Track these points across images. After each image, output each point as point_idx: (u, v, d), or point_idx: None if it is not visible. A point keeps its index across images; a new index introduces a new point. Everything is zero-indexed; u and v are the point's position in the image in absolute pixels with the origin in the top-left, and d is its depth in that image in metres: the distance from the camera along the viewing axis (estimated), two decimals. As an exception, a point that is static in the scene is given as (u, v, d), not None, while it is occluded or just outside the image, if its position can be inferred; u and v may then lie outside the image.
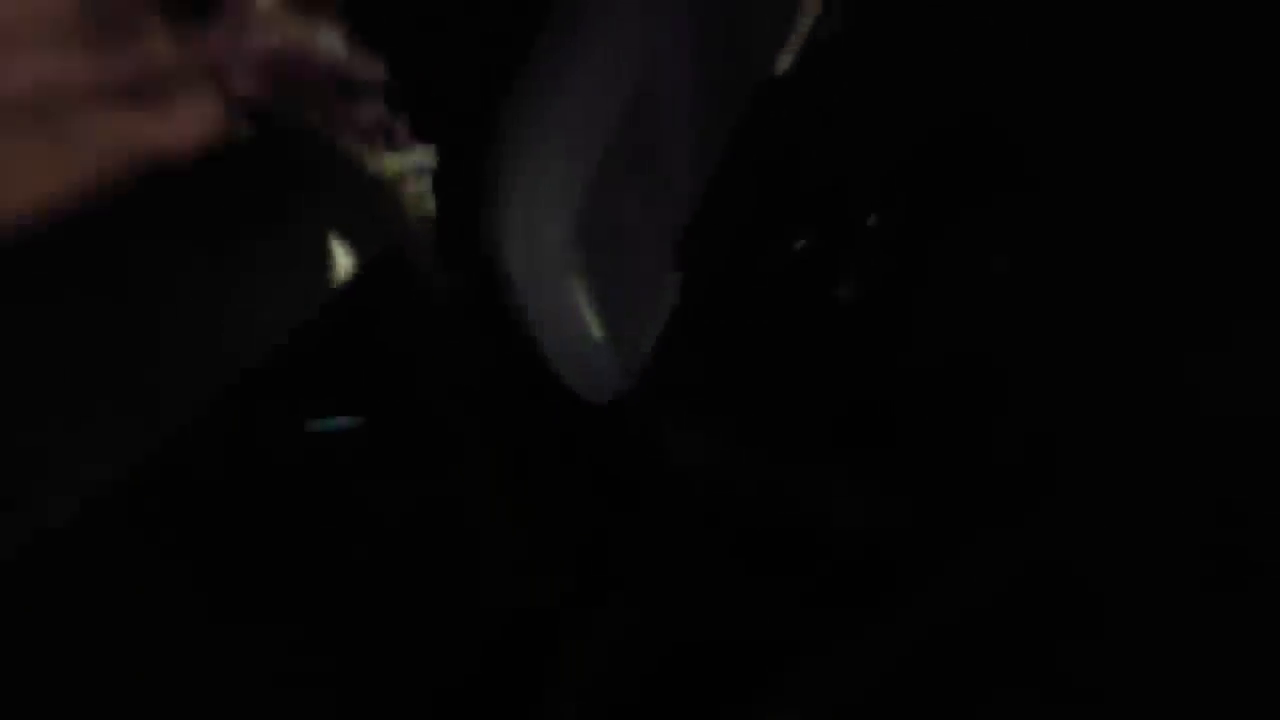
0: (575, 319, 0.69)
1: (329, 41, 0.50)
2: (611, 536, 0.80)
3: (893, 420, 0.76)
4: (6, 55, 0.45)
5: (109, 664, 0.59)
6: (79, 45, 0.46)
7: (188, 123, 0.48)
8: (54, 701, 0.58)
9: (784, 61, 0.77)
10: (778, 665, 0.76)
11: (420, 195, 0.55)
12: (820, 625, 0.76)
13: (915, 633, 0.74)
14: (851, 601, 0.76)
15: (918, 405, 0.75)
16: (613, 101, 0.67)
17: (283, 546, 0.66)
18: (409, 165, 0.57)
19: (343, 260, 0.54)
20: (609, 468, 0.79)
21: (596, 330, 0.70)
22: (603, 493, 0.79)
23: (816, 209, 0.78)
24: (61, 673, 0.58)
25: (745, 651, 0.77)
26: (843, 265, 0.78)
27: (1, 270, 0.47)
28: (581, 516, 0.80)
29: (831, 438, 0.76)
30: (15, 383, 0.48)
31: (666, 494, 0.79)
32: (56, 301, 0.49)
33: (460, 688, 0.74)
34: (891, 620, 0.75)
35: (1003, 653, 0.73)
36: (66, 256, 0.48)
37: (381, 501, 0.66)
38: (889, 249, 0.78)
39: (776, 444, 0.77)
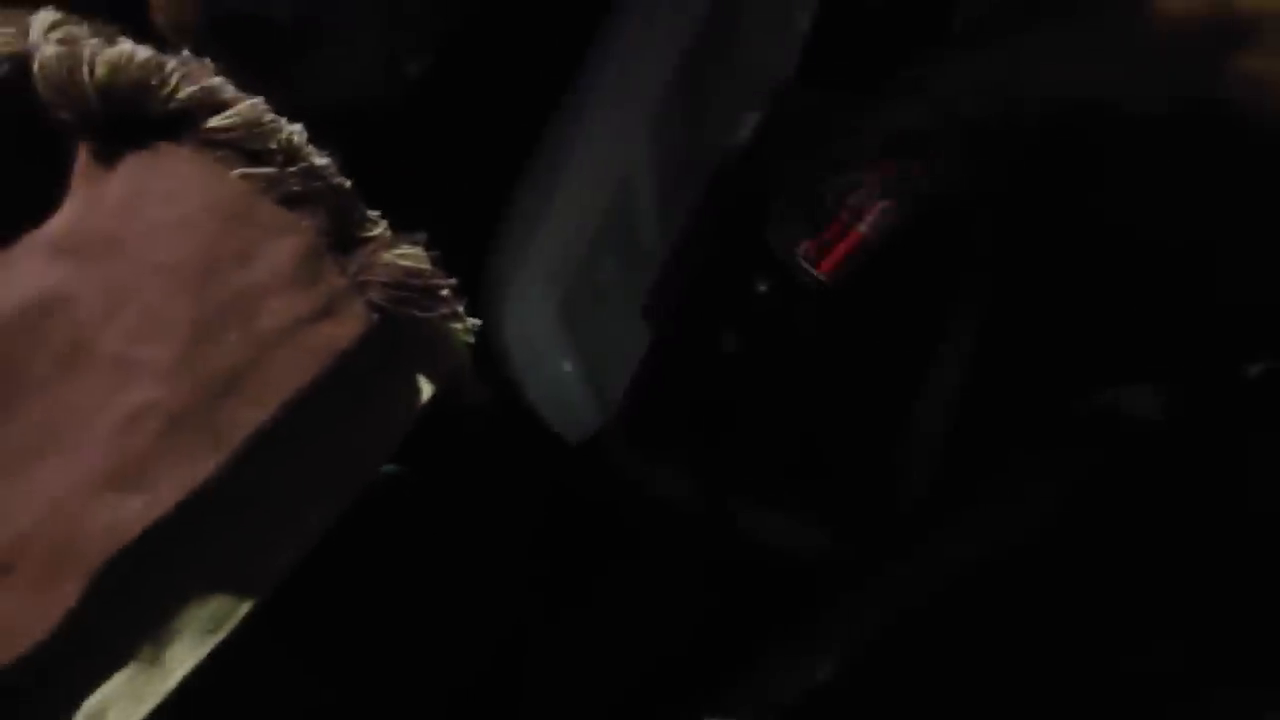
0: (559, 377, 0.76)
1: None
2: (587, 561, 0.87)
3: (830, 455, 0.84)
4: None
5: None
6: None
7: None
8: None
9: (748, 127, 0.85)
10: (728, 678, 0.83)
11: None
12: (766, 639, 0.84)
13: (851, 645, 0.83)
14: (790, 619, 0.84)
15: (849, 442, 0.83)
16: (603, 194, 0.75)
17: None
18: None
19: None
20: (585, 498, 0.86)
21: (577, 382, 0.78)
22: (580, 520, 0.87)
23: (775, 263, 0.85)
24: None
25: (700, 664, 0.84)
26: (799, 309, 0.85)
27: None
28: (562, 542, 0.87)
29: (783, 471, 0.84)
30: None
31: (637, 520, 0.87)
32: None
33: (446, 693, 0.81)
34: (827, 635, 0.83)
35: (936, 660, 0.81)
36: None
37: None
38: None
39: (731, 478, 0.85)
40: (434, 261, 0.60)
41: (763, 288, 0.85)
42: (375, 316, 0.58)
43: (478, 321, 0.62)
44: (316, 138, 0.60)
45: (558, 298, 0.73)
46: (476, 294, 0.73)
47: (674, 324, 0.83)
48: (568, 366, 0.76)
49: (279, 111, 0.60)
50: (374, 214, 0.61)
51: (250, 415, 0.56)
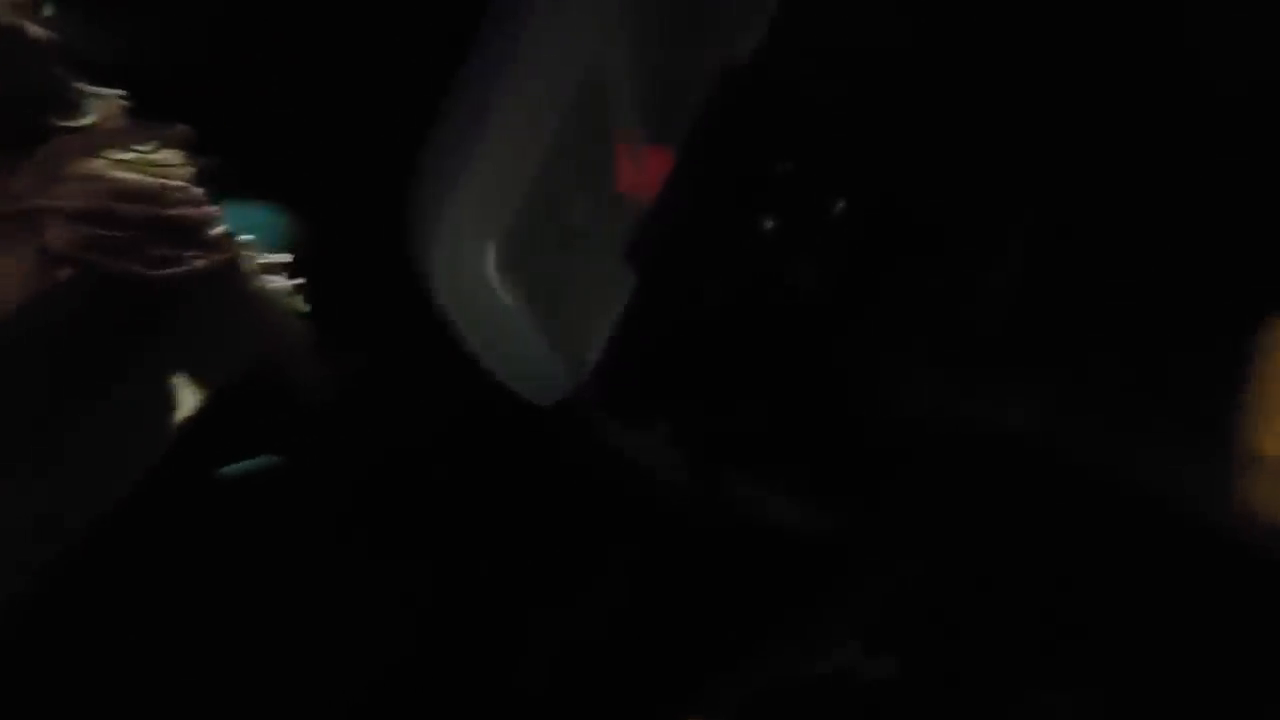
0: (513, 337, 0.65)
1: (145, 183, 0.47)
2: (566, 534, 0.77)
3: (832, 425, 0.72)
4: None
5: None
6: None
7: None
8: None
9: (749, 41, 0.71)
10: (716, 659, 0.74)
11: (290, 294, 0.51)
12: (756, 618, 0.74)
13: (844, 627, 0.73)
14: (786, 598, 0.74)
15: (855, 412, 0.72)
16: (561, 97, 0.61)
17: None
18: (271, 268, 0.53)
19: (190, 396, 0.50)
20: (561, 467, 0.76)
21: (538, 342, 0.66)
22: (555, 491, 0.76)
23: (781, 194, 0.73)
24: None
25: (687, 641, 0.74)
26: (804, 253, 0.73)
27: None
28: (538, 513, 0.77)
29: (773, 439, 0.73)
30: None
31: (615, 492, 0.76)
32: None
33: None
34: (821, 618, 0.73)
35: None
36: None
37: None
38: (855, 237, 0.73)
39: (720, 446, 0.74)
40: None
41: (768, 225, 0.72)
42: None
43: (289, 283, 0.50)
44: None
45: (499, 235, 0.59)
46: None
47: (659, 273, 0.71)
48: (516, 320, 0.64)
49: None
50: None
51: None
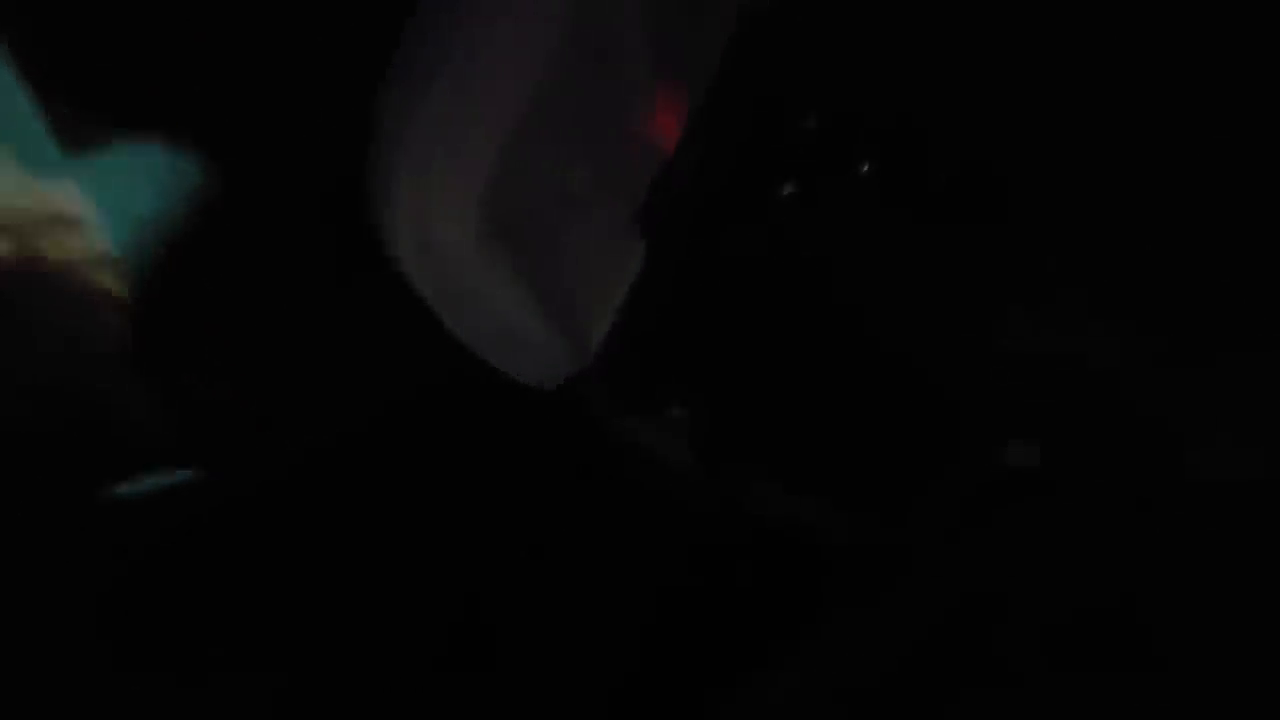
0: (505, 314, 0.57)
1: None
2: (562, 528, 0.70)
3: (872, 423, 0.64)
4: None
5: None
6: None
7: None
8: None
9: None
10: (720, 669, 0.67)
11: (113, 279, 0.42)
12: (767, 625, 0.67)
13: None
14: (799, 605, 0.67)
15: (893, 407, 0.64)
16: (544, 22, 0.52)
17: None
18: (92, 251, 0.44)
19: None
20: (560, 458, 0.68)
21: (532, 321, 0.58)
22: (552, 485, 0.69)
23: (807, 154, 0.65)
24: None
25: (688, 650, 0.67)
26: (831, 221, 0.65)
27: None
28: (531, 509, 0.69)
29: (806, 437, 0.65)
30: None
31: (624, 491, 0.68)
32: None
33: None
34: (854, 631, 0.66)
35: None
36: None
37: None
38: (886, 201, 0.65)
39: (744, 439, 0.66)
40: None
41: (788, 191, 0.64)
42: None
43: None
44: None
45: (481, 193, 0.49)
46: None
47: (672, 243, 0.64)
48: (505, 298, 0.56)
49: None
50: None
51: None
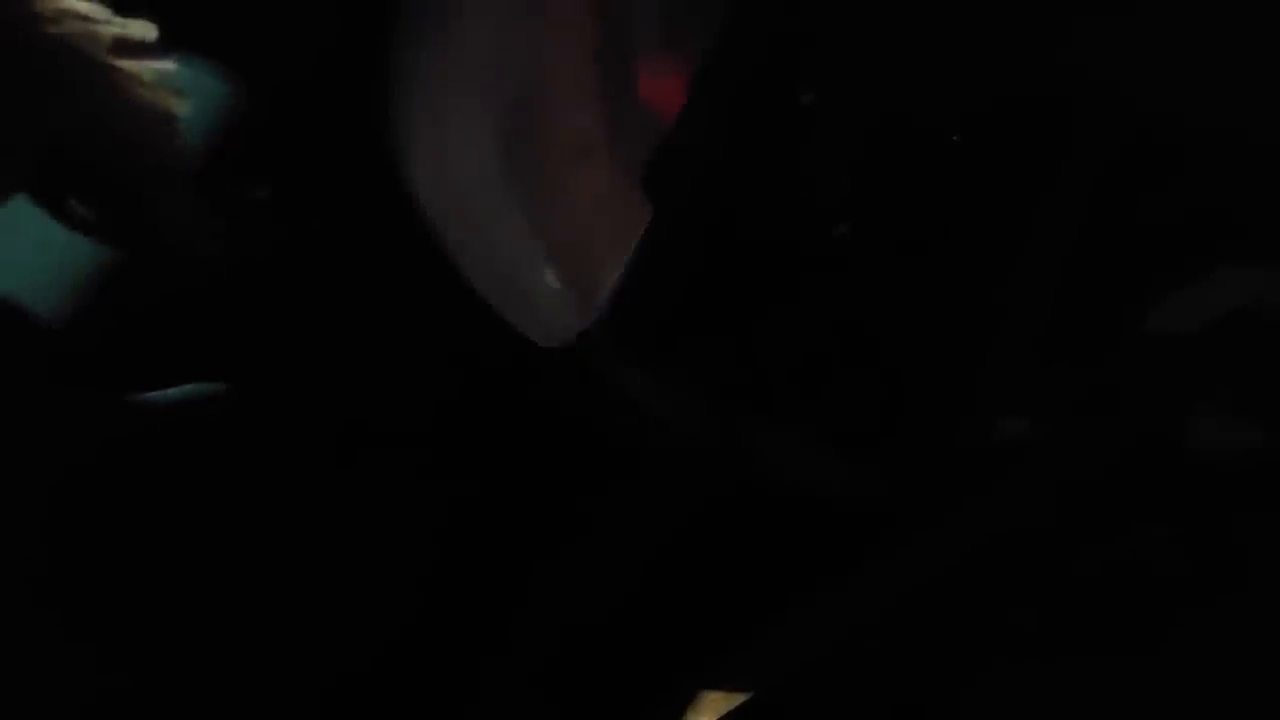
0: (516, 261, 0.56)
1: None
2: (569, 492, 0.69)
3: (873, 378, 0.64)
4: None
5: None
6: None
7: None
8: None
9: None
10: (737, 632, 0.66)
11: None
12: (780, 592, 0.67)
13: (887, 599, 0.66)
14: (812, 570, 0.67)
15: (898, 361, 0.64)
16: None
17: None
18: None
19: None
20: (565, 419, 0.68)
21: (544, 270, 0.58)
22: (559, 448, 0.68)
23: (814, 112, 0.65)
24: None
25: (703, 617, 0.67)
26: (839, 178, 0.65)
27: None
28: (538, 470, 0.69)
29: (810, 393, 0.65)
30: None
31: (628, 450, 0.68)
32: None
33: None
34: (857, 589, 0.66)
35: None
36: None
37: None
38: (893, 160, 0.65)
39: (748, 395, 0.66)
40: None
41: (800, 146, 0.65)
42: None
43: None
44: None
45: (502, 121, 0.49)
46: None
47: (681, 199, 0.63)
48: (530, 254, 0.56)
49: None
50: None
51: None
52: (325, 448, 0.61)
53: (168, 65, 0.45)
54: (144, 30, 0.45)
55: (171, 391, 0.51)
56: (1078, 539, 0.65)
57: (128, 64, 0.45)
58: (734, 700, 0.64)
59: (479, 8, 0.49)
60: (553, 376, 0.64)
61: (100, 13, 0.44)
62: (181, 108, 0.46)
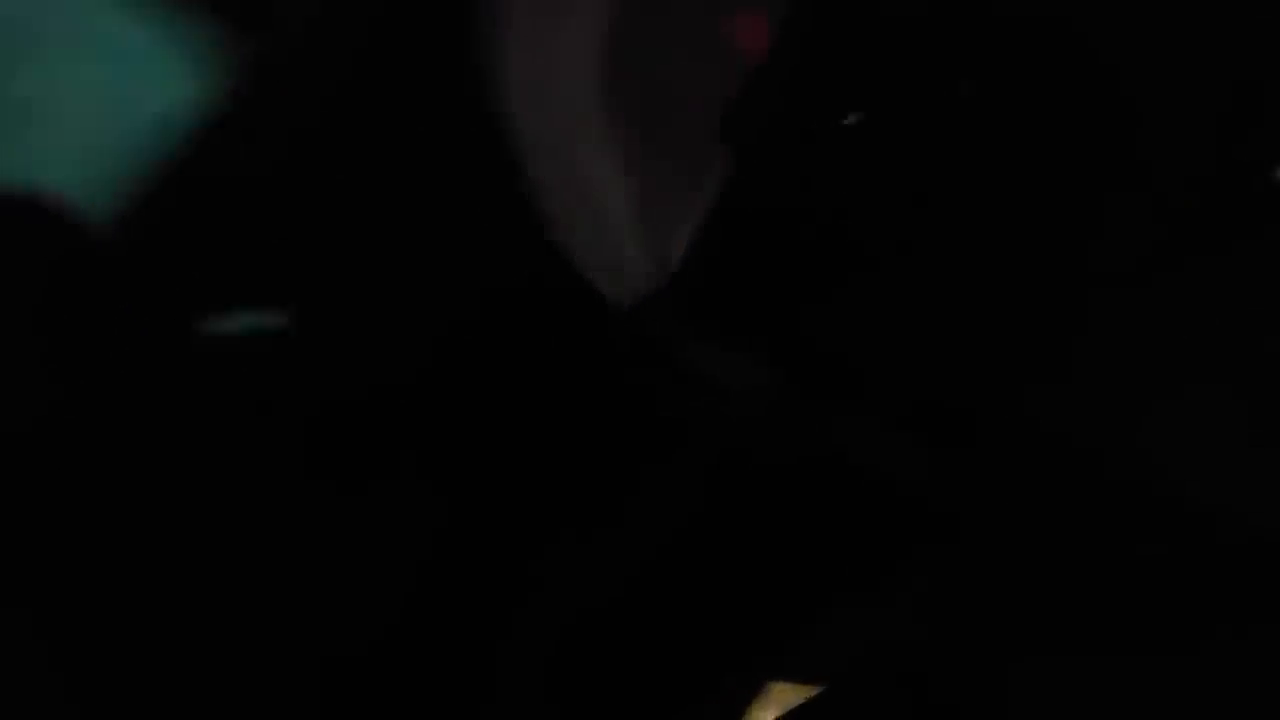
0: (599, 197, 0.52)
1: None
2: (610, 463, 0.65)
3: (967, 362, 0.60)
4: None
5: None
6: None
7: None
8: None
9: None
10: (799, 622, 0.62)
11: None
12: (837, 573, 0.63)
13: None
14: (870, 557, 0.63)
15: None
16: None
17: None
18: None
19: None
20: (621, 386, 0.64)
21: (624, 212, 0.54)
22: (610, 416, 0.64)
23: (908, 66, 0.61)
24: None
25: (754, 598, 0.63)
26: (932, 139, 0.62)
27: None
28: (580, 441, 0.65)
29: (897, 374, 0.61)
30: None
31: (686, 422, 0.64)
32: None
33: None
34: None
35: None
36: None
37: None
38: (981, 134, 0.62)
39: (820, 372, 0.62)
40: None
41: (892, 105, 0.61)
42: None
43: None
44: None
45: (591, 72, 0.46)
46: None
47: (760, 155, 0.60)
48: (613, 192, 0.52)
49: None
50: None
51: None
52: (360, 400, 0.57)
53: None
54: None
55: (229, 322, 0.46)
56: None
57: None
58: (803, 693, 0.59)
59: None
60: (616, 336, 0.60)
61: None
62: None
